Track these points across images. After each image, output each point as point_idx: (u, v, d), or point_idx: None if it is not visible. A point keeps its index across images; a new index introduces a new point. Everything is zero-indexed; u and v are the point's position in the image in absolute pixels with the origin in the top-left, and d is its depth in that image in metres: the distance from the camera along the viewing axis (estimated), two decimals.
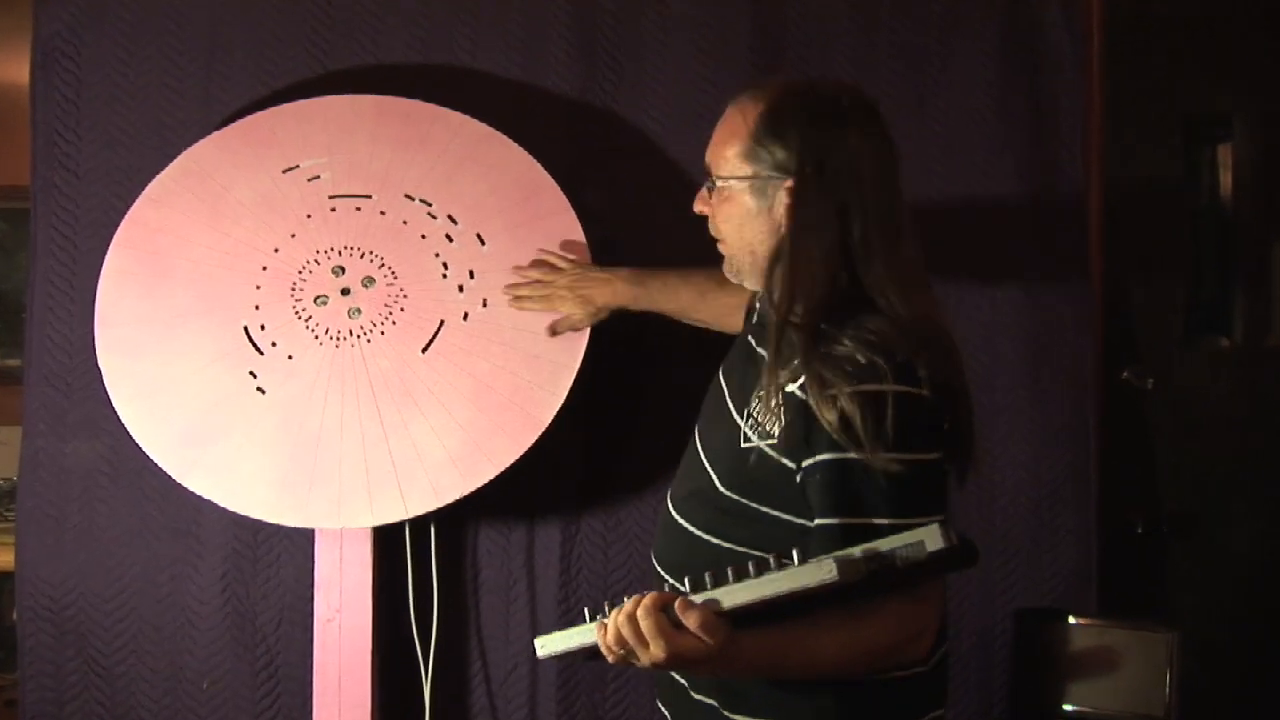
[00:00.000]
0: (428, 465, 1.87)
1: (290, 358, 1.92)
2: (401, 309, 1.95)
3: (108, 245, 1.97)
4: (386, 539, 2.00)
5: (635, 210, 2.12)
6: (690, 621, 1.27)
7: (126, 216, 1.99)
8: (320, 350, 1.92)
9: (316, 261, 1.97)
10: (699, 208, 1.55)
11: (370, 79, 2.10)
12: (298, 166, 2.01)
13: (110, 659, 2.09)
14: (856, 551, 1.27)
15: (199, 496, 1.88)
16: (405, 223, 1.99)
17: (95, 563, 2.08)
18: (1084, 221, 2.16)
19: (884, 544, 1.27)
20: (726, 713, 1.49)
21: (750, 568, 1.28)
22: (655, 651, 1.28)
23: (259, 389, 1.90)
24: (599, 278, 1.91)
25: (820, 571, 1.25)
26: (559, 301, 1.91)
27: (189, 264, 1.96)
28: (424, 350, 1.93)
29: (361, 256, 1.97)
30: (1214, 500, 2.30)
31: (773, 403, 1.42)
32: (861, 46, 2.13)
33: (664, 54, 2.13)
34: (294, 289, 1.95)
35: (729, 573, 1.29)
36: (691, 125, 2.12)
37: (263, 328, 1.93)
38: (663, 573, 1.55)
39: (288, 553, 2.09)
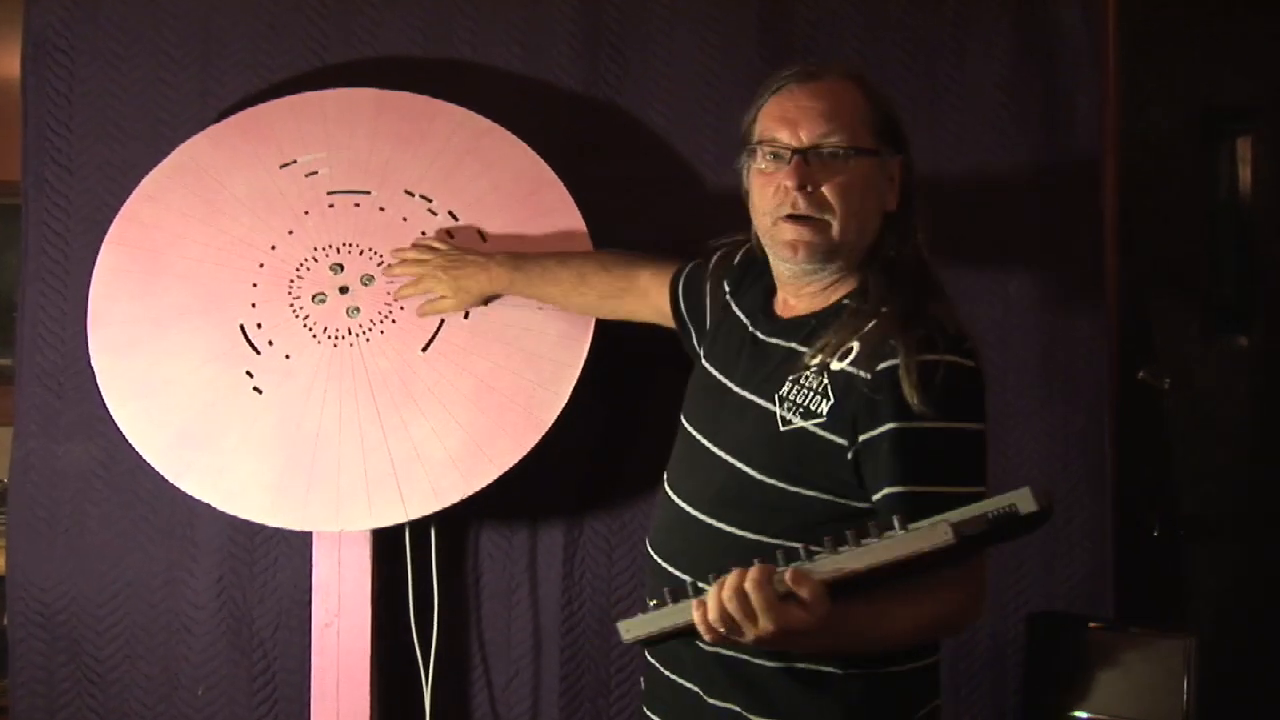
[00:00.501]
0: (428, 466, 1.87)
1: (288, 357, 1.92)
2: (401, 307, 1.95)
3: (101, 242, 1.98)
4: (386, 542, 2.00)
5: (640, 206, 2.12)
6: (805, 592, 1.30)
7: (120, 213, 1.99)
8: (318, 349, 1.92)
9: (314, 259, 1.97)
10: (798, 179, 1.51)
11: (369, 72, 2.10)
12: (295, 162, 2.01)
13: (103, 665, 2.09)
14: (953, 516, 1.29)
15: (194, 499, 1.89)
16: (405, 219, 1.99)
17: (88, 566, 2.09)
18: (1100, 218, 2.15)
19: (977, 509, 1.29)
20: (751, 716, 1.51)
21: (850, 536, 1.31)
22: (765, 625, 1.31)
23: (256, 389, 1.90)
24: (475, 261, 1.91)
25: (936, 535, 1.28)
26: (432, 282, 1.92)
27: (184, 261, 1.96)
28: (424, 349, 1.93)
29: (360, 253, 1.97)
30: (1232, 502, 2.30)
31: (817, 382, 1.48)
32: (872, 41, 2.13)
33: (670, 47, 2.13)
34: (291, 287, 1.95)
35: (825, 542, 1.32)
36: (697, 119, 2.12)
37: (259, 326, 1.93)
38: (670, 567, 1.57)
39: (285, 556, 2.09)
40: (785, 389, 1.51)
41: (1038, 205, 2.13)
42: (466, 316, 1.95)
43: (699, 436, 1.61)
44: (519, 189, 2.01)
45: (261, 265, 1.96)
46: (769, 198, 1.54)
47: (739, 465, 1.53)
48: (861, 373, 1.45)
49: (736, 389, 1.58)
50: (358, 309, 1.95)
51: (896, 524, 1.30)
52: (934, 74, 2.14)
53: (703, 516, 1.55)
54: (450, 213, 1.99)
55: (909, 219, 1.57)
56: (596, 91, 2.13)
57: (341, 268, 1.96)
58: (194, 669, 2.09)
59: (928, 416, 1.41)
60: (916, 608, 1.41)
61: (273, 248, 1.97)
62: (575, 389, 1.91)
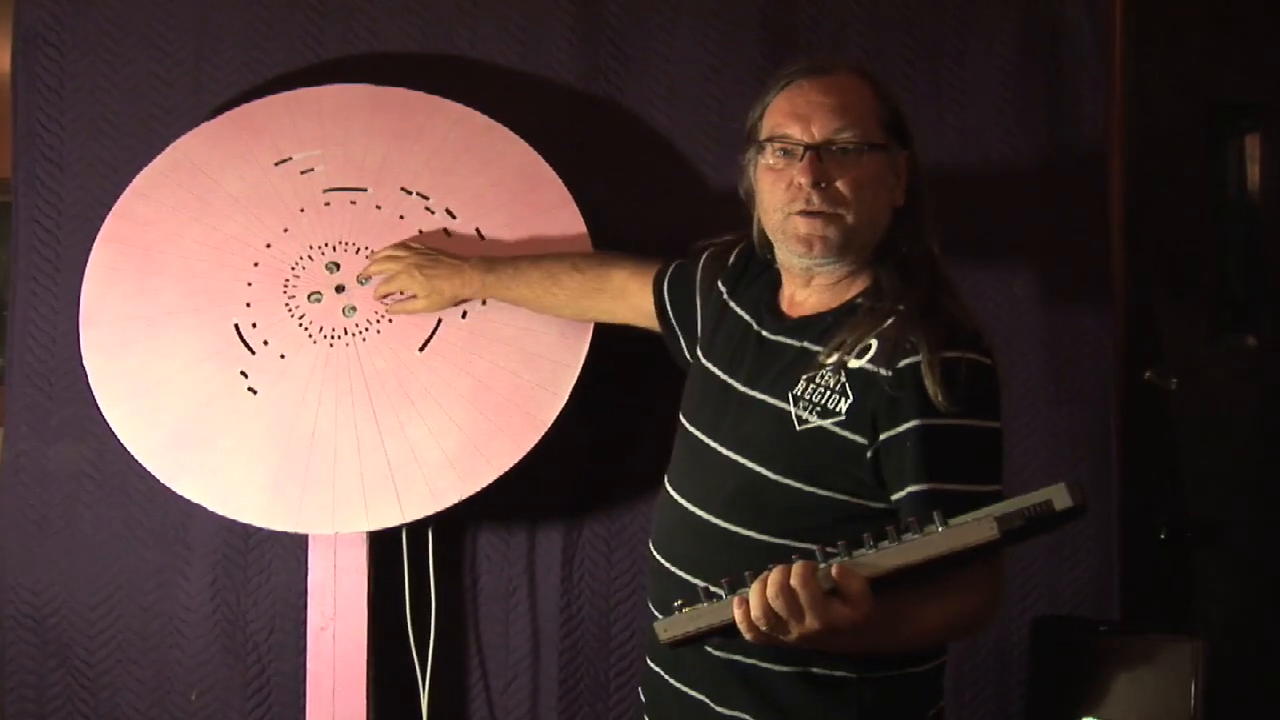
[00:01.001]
0: (425, 468, 1.88)
1: (283, 357, 1.93)
2: (391, 320, 1.95)
3: (93, 240, 1.98)
4: (382, 544, 2.00)
5: (640, 204, 2.13)
6: (853, 588, 1.31)
7: (112, 211, 2.00)
8: (314, 349, 1.93)
9: (310, 257, 1.98)
10: (813, 176, 1.52)
11: (365, 68, 2.11)
12: (290, 159, 2.02)
13: (95, 669, 2.09)
14: (995, 511, 1.31)
15: (188, 501, 1.90)
16: (402, 217, 2.00)
17: (79, 569, 2.09)
18: (1106, 217, 2.16)
19: (1015, 504, 1.31)
20: None
21: (890, 532, 1.33)
22: (810, 623, 1.32)
23: (250, 389, 1.91)
24: (449, 263, 1.92)
25: (981, 530, 1.30)
26: (406, 280, 1.92)
27: (177, 260, 1.97)
28: (421, 349, 1.94)
29: (357, 252, 1.98)
30: (1240, 505, 2.31)
31: (834, 380, 1.49)
32: (874, 37, 2.14)
33: (670, 43, 2.14)
34: (287, 286, 1.96)
35: (865, 539, 1.34)
36: (698, 116, 2.13)
37: (254, 326, 1.94)
38: (675, 569, 1.58)
39: (280, 559, 2.09)
40: (800, 388, 1.52)
41: (1042, 203, 2.14)
42: (464, 315, 1.96)
43: (702, 437, 1.62)
44: (517, 186, 2.02)
45: (256, 264, 1.97)
46: (779, 194, 1.55)
47: (752, 466, 1.54)
48: (882, 370, 1.47)
49: (743, 388, 1.59)
50: (354, 308, 1.96)
51: (937, 520, 1.32)
52: (936, 70, 2.14)
53: (712, 518, 1.56)
54: (448, 210, 2.00)
55: (918, 215, 1.58)
56: (596, 88, 2.14)
57: (337, 266, 1.97)
58: (187, 673, 2.09)
59: (952, 413, 1.43)
60: (945, 606, 1.43)
61: (268, 246, 1.98)
62: (574, 389, 1.92)
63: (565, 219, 2.01)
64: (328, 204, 2.00)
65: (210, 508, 1.89)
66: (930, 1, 2.15)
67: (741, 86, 2.09)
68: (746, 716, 1.53)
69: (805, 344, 1.56)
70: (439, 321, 1.95)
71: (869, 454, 1.47)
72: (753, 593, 1.33)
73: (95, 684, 2.09)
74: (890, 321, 1.50)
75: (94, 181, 2.10)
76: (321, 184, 2.01)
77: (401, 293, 1.94)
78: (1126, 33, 2.20)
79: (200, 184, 2.00)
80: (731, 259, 1.74)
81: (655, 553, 1.64)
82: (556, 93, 2.13)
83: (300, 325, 1.94)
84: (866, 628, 1.33)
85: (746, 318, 1.66)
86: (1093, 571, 2.14)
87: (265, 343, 1.93)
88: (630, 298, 1.85)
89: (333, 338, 1.94)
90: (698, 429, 1.63)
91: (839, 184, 1.52)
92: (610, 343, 1.97)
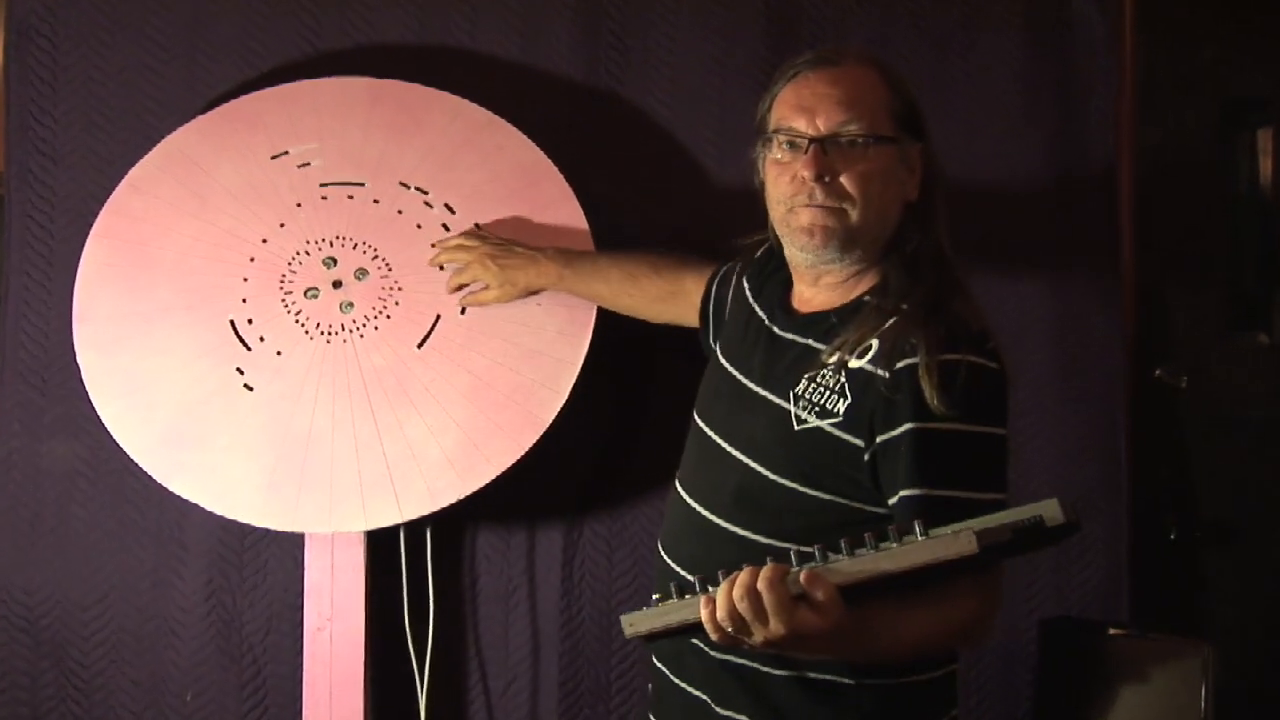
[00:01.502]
0: (423, 467, 1.89)
1: (279, 354, 1.93)
2: (396, 302, 1.96)
3: (86, 235, 1.99)
4: (380, 544, 2.01)
5: (642, 198, 2.13)
6: (819, 594, 1.29)
7: (106, 205, 2.00)
8: (311, 346, 1.94)
9: (307, 252, 1.98)
10: (816, 169, 1.51)
11: (363, 61, 2.11)
12: (287, 153, 2.03)
13: (88, 670, 2.10)
14: (977, 524, 1.29)
15: (183, 499, 1.91)
16: (400, 212, 2.01)
17: (73, 569, 2.10)
18: (1115, 212, 2.16)
19: (1002, 518, 1.30)
20: None
21: (867, 539, 1.31)
22: (775, 628, 1.30)
23: (246, 386, 1.92)
24: (524, 254, 1.92)
25: (959, 543, 1.28)
26: (479, 270, 1.93)
27: (172, 255, 1.97)
28: (420, 346, 1.95)
29: (354, 247, 1.99)
30: (1253, 505, 2.30)
31: (834, 380, 1.48)
32: (880, 28, 2.14)
33: (672, 35, 2.14)
34: (283, 281, 1.97)
35: (842, 544, 1.32)
36: (701, 109, 2.13)
37: (250, 322, 1.95)
38: (682, 571, 1.58)
39: (276, 558, 2.09)
40: (801, 387, 1.52)
41: (1051, 199, 2.14)
42: (463, 311, 1.97)
43: (713, 435, 1.62)
44: (517, 181, 2.02)
45: (252, 259, 1.97)
46: (785, 187, 1.54)
47: (753, 465, 1.54)
48: (880, 371, 1.46)
49: (751, 385, 1.59)
50: (351, 304, 1.96)
51: (917, 529, 1.30)
52: (944, 63, 2.15)
53: (715, 519, 1.56)
54: (446, 205, 2.01)
55: (930, 210, 1.57)
56: (597, 81, 2.14)
57: (335, 262, 1.98)
58: (182, 675, 2.10)
59: (948, 418, 1.41)
60: (928, 617, 1.41)
61: (264, 241, 1.98)
62: (575, 386, 1.92)
63: (566, 214, 2.01)
64: (325, 198, 2.01)
65: (205, 506, 1.90)
66: None
67: (745, 79, 2.10)
68: (745, 718, 1.54)
69: (810, 342, 1.56)
70: (437, 318, 1.96)
71: (866, 457, 1.47)
72: (719, 592, 1.31)
73: (89, 685, 2.10)
74: (893, 321, 1.49)
75: (88, 175, 2.10)
76: (318, 178, 2.02)
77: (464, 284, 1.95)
78: (1137, 24, 2.19)
79: (195, 178, 2.01)
80: (758, 254, 1.73)
81: (662, 552, 1.65)
82: (556, 85, 2.14)
83: (297, 321, 1.95)
84: (837, 636, 1.32)
85: (761, 314, 1.66)
86: (1102, 573, 2.14)
87: (261, 339, 1.94)
88: (695, 302, 1.85)
89: (330, 334, 1.95)
90: (708, 425, 1.64)
91: (844, 178, 1.51)
92: (612, 339, 1.98)
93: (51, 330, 2.09)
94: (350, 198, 2.01)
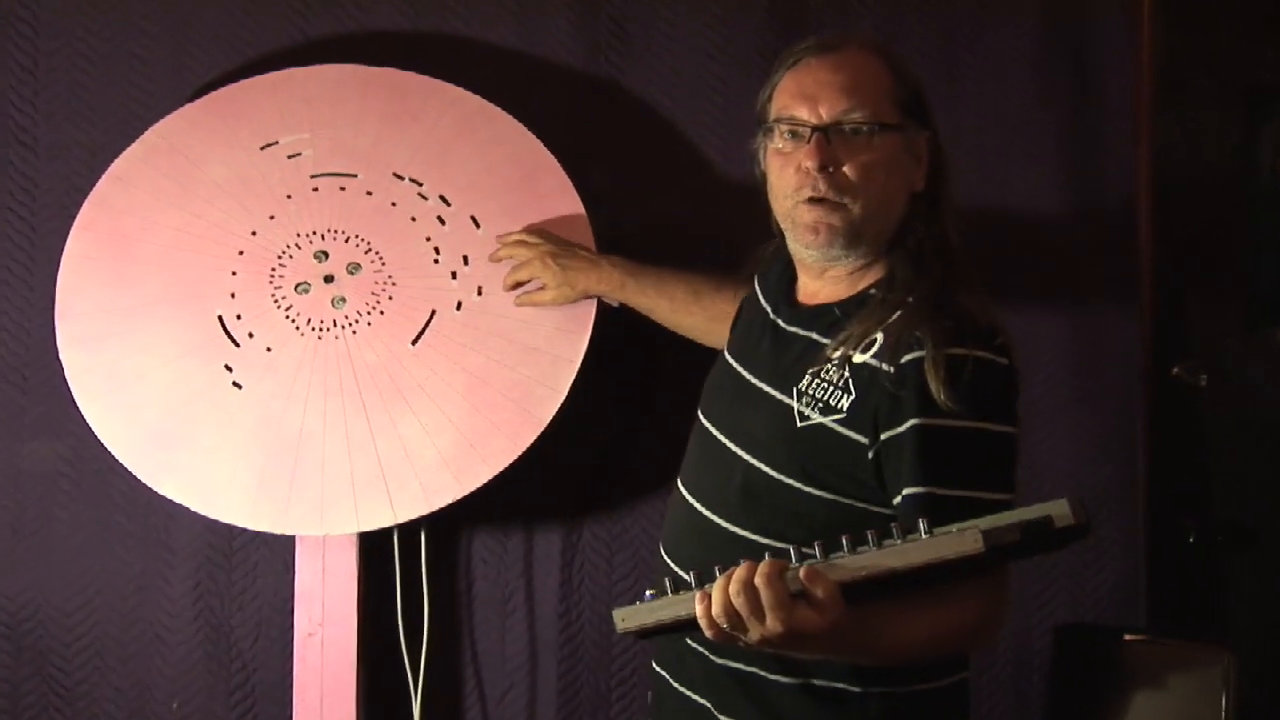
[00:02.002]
0: (418, 467, 1.89)
1: (269, 350, 1.93)
2: (390, 297, 1.96)
3: (68, 228, 1.99)
4: (373, 547, 2.01)
5: (643, 190, 2.13)
6: (819, 591, 1.29)
7: (89, 197, 2.00)
8: (301, 342, 1.94)
9: (297, 246, 1.98)
10: (819, 159, 1.51)
11: (355, 48, 2.11)
12: (277, 143, 2.03)
13: (71, 678, 2.10)
14: (983, 523, 1.28)
15: (169, 501, 1.90)
16: (394, 204, 2.00)
17: (55, 573, 2.09)
18: (1132, 204, 2.16)
19: (1010, 517, 1.29)
20: None
21: (870, 536, 1.31)
22: (772, 625, 1.29)
23: (235, 384, 1.92)
24: (586, 256, 1.92)
25: (964, 542, 1.27)
26: (538, 267, 1.92)
27: (158, 249, 1.97)
28: (414, 342, 1.94)
29: (346, 241, 1.98)
30: (1274, 507, 2.30)
31: (838, 376, 1.48)
32: (887, 16, 2.14)
33: (674, 22, 2.14)
34: (273, 276, 1.97)
35: (843, 541, 1.31)
36: (703, 98, 2.14)
37: (239, 318, 1.94)
38: (681, 571, 1.56)
39: (266, 562, 2.10)
40: (804, 383, 1.52)
41: (1065, 190, 2.14)
42: (459, 306, 1.96)
43: (716, 433, 1.62)
44: (515, 172, 2.02)
45: (241, 253, 1.97)
46: (788, 179, 1.54)
47: (754, 462, 1.54)
48: (885, 366, 1.46)
49: (754, 381, 1.59)
50: (344, 299, 1.96)
51: (922, 526, 1.30)
52: (954, 51, 2.15)
53: (716, 519, 1.56)
54: (442, 197, 2.01)
55: (937, 200, 1.57)
56: (597, 69, 2.14)
57: (326, 255, 1.98)
58: (168, 682, 2.10)
59: (954, 414, 1.41)
60: (932, 618, 1.40)
61: (253, 234, 1.98)
62: (574, 384, 1.92)
63: (564, 206, 2.01)
64: (316, 190, 2.01)
65: (193, 508, 1.89)
66: None
67: (749, 67, 2.10)
68: None
69: (814, 335, 1.56)
70: (432, 313, 1.95)
71: (870, 454, 1.46)
72: (716, 588, 1.31)
73: (72, 694, 2.10)
74: (898, 314, 1.49)
75: (70, 166, 2.10)
76: (309, 169, 2.02)
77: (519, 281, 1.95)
78: (1155, 11, 2.19)
79: (181, 169, 2.00)
80: (770, 249, 1.73)
81: (663, 553, 1.65)
82: (555, 74, 2.14)
83: (287, 317, 1.95)
84: (836, 635, 1.31)
85: (766, 306, 1.66)
86: (1118, 577, 2.15)
87: (250, 335, 1.94)
88: None
89: (321, 330, 1.94)
90: (713, 424, 1.64)
91: (847, 168, 1.51)
92: (612, 336, 1.98)
93: (33, 326, 2.09)
94: (342, 189, 2.01)
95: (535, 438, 1.90)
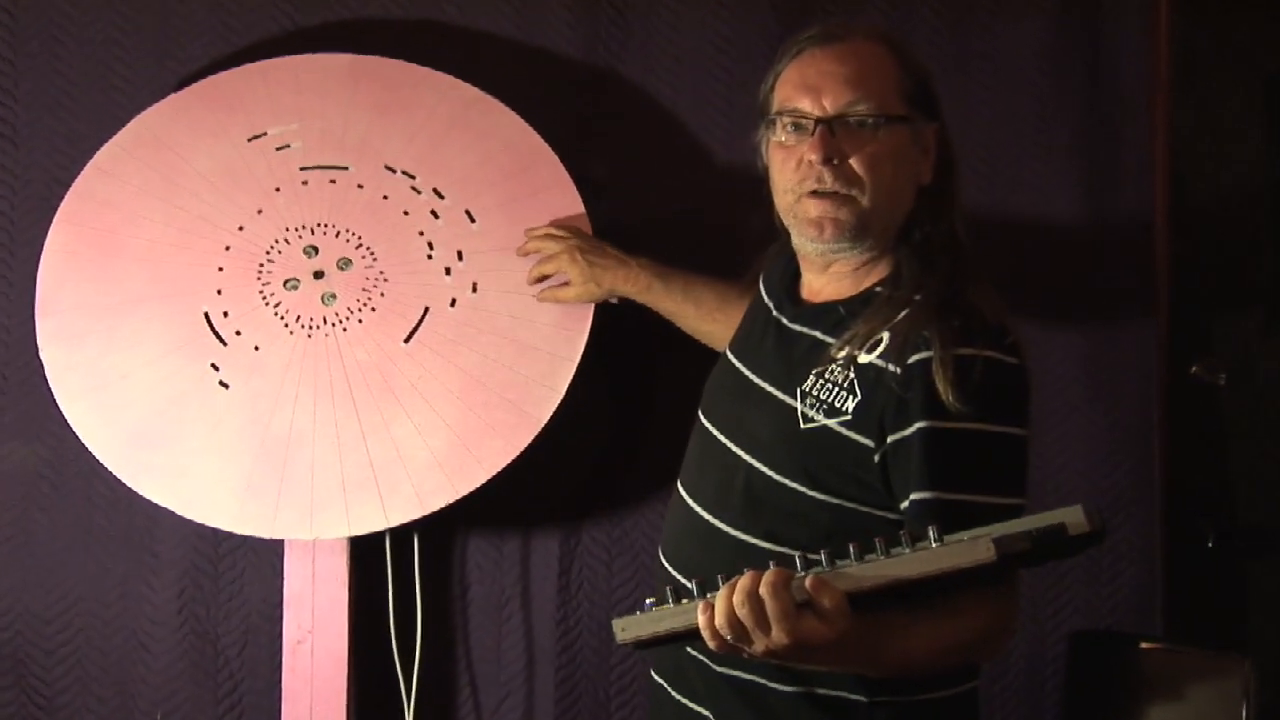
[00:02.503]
0: (411, 469, 1.88)
1: (256, 349, 1.93)
2: (381, 294, 1.96)
3: (49, 221, 1.98)
4: (364, 551, 2.01)
5: (643, 184, 2.13)
6: (826, 601, 1.28)
7: (71, 189, 2.00)
8: (290, 340, 1.93)
9: (286, 240, 1.98)
10: (824, 152, 1.50)
11: (347, 36, 2.11)
12: (265, 134, 2.03)
13: (51, 688, 2.10)
14: (996, 531, 1.28)
15: (153, 504, 1.90)
16: (386, 197, 2.00)
17: (34, 579, 2.09)
18: (1149, 196, 2.16)
19: (1022, 524, 1.29)
20: None
21: (878, 544, 1.30)
22: (777, 636, 1.29)
23: (221, 383, 1.92)
24: (615, 255, 1.92)
25: (976, 551, 1.27)
26: (565, 261, 1.92)
27: (142, 243, 1.97)
28: (407, 340, 1.94)
29: (337, 235, 1.98)
30: None
31: (843, 376, 1.48)
32: (896, 3, 2.14)
33: (676, 9, 2.14)
34: (261, 272, 1.96)
35: (851, 549, 1.31)
36: (706, 89, 2.14)
37: (225, 315, 1.94)
38: (684, 579, 1.57)
39: (253, 567, 2.10)
40: (809, 383, 1.52)
41: (1079, 183, 2.14)
42: (453, 303, 1.96)
43: (717, 433, 1.61)
44: (510, 164, 2.02)
45: (228, 248, 1.97)
46: (790, 172, 1.54)
47: (756, 464, 1.53)
48: (891, 366, 1.45)
49: (757, 381, 1.59)
50: (334, 296, 1.96)
51: (932, 534, 1.29)
52: (965, 40, 2.14)
53: (716, 522, 1.56)
54: (435, 190, 2.01)
55: (945, 194, 1.57)
56: (596, 57, 2.14)
57: (316, 250, 1.97)
58: (152, 691, 2.09)
59: (962, 416, 1.41)
60: (940, 629, 1.40)
61: (240, 228, 1.98)
62: (573, 383, 1.92)
63: (562, 199, 2.01)
64: (305, 183, 2.00)
65: (178, 512, 1.89)
66: None
67: (754, 56, 2.10)
68: None
69: (818, 334, 1.56)
70: (426, 310, 1.95)
71: (876, 458, 1.46)
72: (719, 597, 1.31)
73: (51, 704, 2.10)
74: (905, 313, 1.49)
75: (50, 158, 2.10)
76: (298, 161, 2.01)
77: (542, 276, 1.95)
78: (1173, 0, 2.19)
79: (167, 161, 2.00)
80: (776, 248, 1.73)
81: (662, 558, 1.65)
82: (552, 63, 2.13)
83: (276, 314, 1.94)
84: (843, 647, 1.31)
85: (769, 303, 1.66)
86: (1134, 582, 2.14)
87: (237, 333, 1.93)
88: None
89: (311, 328, 1.94)
90: (714, 425, 1.63)
91: (852, 161, 1.51)
92: (612, 334, 1.98)
93: (12, 324, 2.09)
94: (332, 182, 2.01)
95: (532, 438, 1.90)
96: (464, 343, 1.94)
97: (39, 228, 2.00)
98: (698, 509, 1.59)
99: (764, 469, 1.53)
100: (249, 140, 2.02)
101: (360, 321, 1.95)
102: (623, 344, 2.02)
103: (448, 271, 1.97)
